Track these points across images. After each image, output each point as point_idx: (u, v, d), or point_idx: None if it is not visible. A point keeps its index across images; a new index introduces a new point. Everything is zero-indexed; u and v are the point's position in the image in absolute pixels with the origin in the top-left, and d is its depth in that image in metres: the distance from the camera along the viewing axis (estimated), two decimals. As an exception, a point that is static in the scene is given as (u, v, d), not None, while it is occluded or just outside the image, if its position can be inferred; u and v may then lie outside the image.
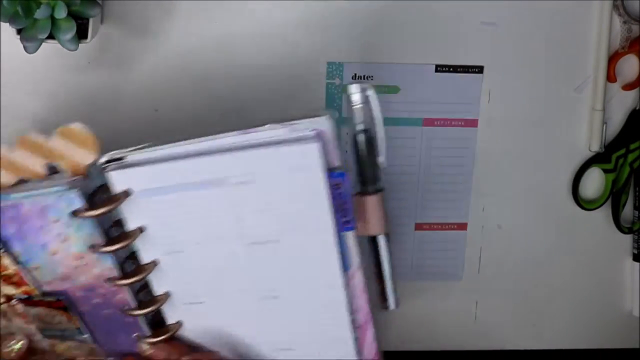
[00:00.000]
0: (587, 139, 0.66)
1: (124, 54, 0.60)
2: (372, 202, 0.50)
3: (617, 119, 0.66)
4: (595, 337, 0.71)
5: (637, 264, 0.69)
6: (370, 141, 0.50)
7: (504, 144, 0.65)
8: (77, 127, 0.48)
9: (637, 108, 0.66)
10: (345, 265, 0.51)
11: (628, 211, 0.69)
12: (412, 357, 0.71)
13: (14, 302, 0.54)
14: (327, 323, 0.53)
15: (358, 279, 0.52)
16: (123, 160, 0.48)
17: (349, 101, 0.51)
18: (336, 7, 0.61)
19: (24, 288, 0.53)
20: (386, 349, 0.70)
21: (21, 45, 0.54)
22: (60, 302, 0.53)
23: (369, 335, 0.55)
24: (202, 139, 0.47)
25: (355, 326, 0.54)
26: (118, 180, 0.48)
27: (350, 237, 0.51)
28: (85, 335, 0.55)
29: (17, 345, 0.55)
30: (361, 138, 0.50)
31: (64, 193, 0.47)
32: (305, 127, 0.46)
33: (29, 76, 0.61)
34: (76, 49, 0.54)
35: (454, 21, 0.62)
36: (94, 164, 0.49)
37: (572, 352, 0.72)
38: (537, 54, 0.64)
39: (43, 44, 0.54)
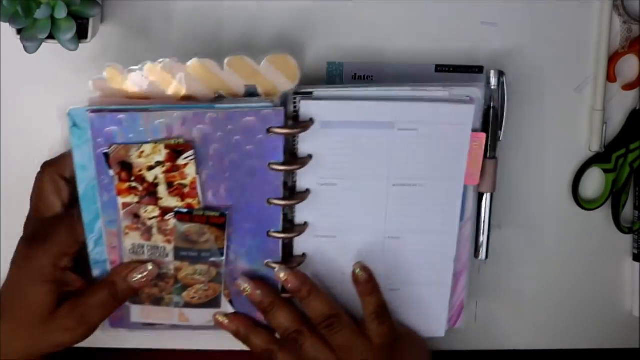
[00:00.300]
0: (587, 139, 0.66)
1: (124, 54, 0.60)
2: (488, 165, 0.60)
3: (617, 119, 0.66)
4: (595, 337, 0.71)
5: (637, 264, 0.69)
6: (497, 117, 0.60)
7: (504, 143, 0.65)
8: (286, 56, 0.54)
9: (637, 108, 0.66)
10: (462, 215, 0.60)
11: (628, 211, 0.69)
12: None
13: (169, 216, 0.55)
14: (433, 267, 0.61)
15: (467, 229, 0.61)
16: (311, 95, 0.55)
17: (487, 83, 0.60)
18: (336, 6, 0.61)
19: (188, 200, 0.55)
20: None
21: (21, 45, 0.54)
22: (222, 217, 0.56)
23: (461, 283, 0.63)
24: (380, 87, 0.57)
25: (453, 273, 0.61)
26: (305, 110, 0.55)
27: (471, 190, 0.60)
28: (223, 258, 0.58)
29: (144, 275, 0.57)
30: (491, 113, 0.60)
31: (269, 109, 0.53)
32: (462, 92, 0.57)
33: (29, 76, 0.61)
34: (76, 49, 0.54)
35: (454, 21, 0.62)
36: (287, 92, 0.55)
37: (572, 352, 0.72)
38: (537, 54, 0.64)
39: (43, 44, 0.54)
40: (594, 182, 0.68)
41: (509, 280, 0.69)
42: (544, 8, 0.63)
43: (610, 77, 0.64)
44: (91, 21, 0.55)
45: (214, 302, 0.60)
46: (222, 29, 0.61)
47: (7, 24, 0.52)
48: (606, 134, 0.66)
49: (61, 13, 0.51)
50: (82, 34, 0.55)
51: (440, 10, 0.62)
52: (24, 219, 0.64)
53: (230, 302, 0.61)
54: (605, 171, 0.67)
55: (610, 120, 0.66)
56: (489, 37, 0.63)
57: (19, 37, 0.53)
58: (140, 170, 0.54)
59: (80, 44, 0.54)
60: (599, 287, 0.70)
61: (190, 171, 0.54)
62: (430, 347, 0.68)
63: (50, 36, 0.53)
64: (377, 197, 0.58)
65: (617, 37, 0.64)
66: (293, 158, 0.56)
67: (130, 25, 0.60)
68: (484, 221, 0.62)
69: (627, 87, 0.65)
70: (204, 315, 0.61)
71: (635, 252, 0.69)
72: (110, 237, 0.57)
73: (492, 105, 0.60)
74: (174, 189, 0.55)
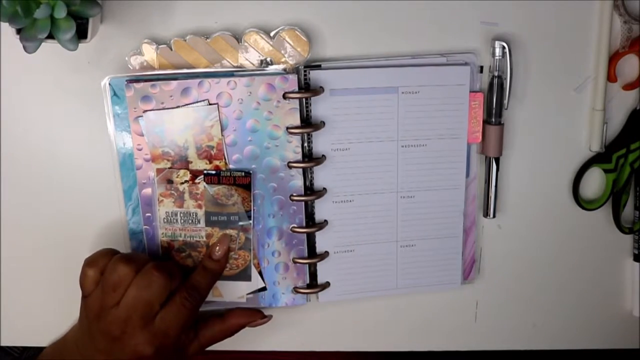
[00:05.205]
0: (587, 139, 0.66)
1: (124, 54, 0.60)
2: (494, 130, 0.64)
3: (618, 119, 0.66)
4: (595, 337, 0.71)
5: (637, 264, 0.69)
6: (501, 85, 0.63)
7: (505, 143, 0.65)
8: (297, 30, 0.60)
9: (638, 108, 0.66)
10: (467, 172, 0.65)
11: (629, 211, 0.69)
12: (412, 357, 0.71)
13: (199, 179, 0.61)
14: (445, 221, 0.66)
15: (472, 187, 0.66)
16: (320, 67, 0.61)
17: (492, 53, 0.63)
18: (335, 6, 0.61)
19: (216, 163, 0.61)
20: (386, 349, 0.70)
21: (21, 45, 0.53)
22: (247, 177, 0.61)
23: (471, 238, 0.67)
24: (383, 57, 0.62)
25: (463, 228, 0.66)
26: (315, 79, 0.60)
27: (474, 149, 0.65)
28: (250, 221, 0.62)
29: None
30: (495, 81, 0.63)
31: (283, 76, 0.59)
32: (458, 58, 0.62)
33: (29, 76, 0.61)
34: (76, 49, 0.54)
35: (454, 21, 0.62)
36: (299, 64, 0.60)
37: (572, 352, 0.72)
38: (537, 54, 0.64)
39: (43, 44, 0.53)
40: (594, 182, 0.68)
41: (509, 280, 0.69)
42: (544, 8, 0.63)
43: (611, 77, 0.64)
44: (91, 21, 0.55)
45: (244, 274, 0.64)
46: (220, 28, 0.60)
47: (7, 24, 0.52)
48: (606, 134, 0.65)
49: (61, 13, 0.51)
50: (81, 34, 0.55)
51: (440, 10, 0.62)
52: (24, 218, 0.64)
53: (260, 273, 0.64)
54: (606, 171, 0.67)
55: (610, 120, 0.66)
56: (489, 37, 0.63)
57: (18, 37, 0.53)
58: (172, 135, 0.60)
59: (80, 44, 0.54)
60: (599, 287, 0.70)
61: (216, 132, 0.60)
62: (428, 347, 0.68)
63: (50, 36, 0.53)
64: (388, 159, 0.63)
65: (617, 37, 0.64)
66: (308, 124, 0.61)
67: (130, 25, 0.60)
68: (492, 183, 0.65)
69: (628, 87, 0.65)
70: (236, 290, 0.64)
71: (636, 252, 0.69)
72: (145, 205, 0.62)
73: (497, 75, 0.63)
74: (203, 151, 0.60)
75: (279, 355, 0.70)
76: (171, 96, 0.59)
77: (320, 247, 0.65)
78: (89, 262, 0.59)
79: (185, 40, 0.60)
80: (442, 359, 0.72)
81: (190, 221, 0.62)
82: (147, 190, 0.61)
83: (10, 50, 0.60)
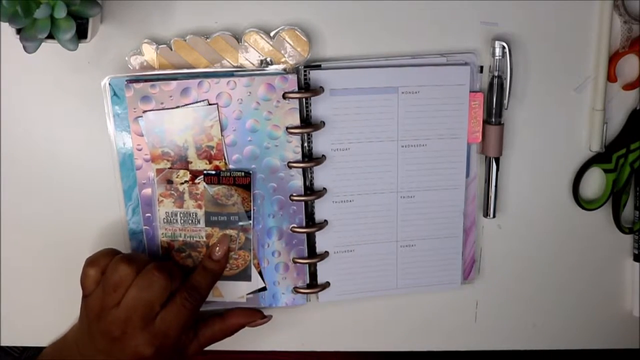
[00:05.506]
0: (587, 139, 0.66)
1: (124, 54, 0.60)
2: (494, 130, 0.64)
3: (618, 119, 0.66)
4: (595, 337, 0.71)
5: (637, 264, 0.69)
6: (501, 85, 0.63)
7: (505, 143, 0.65)
8: (297, 30, 0.60)
9: (638, 108, 0.66)
10: (467, 172, 0.65)
11: (629, 211, 0.69)
12: (412, 357, 0.71)
13: (199, 179, 0.61)
14: (445, 221, 0.66)
15: (472, 187, 0.66)
16: (320, 67, 0.61)
17: (492, 53, 0.63)
18: (335, 6, 0.61)
19: (215, 163, 0.61)
20: (386, 349, 0.70)
21: (21, 45, 0.53)
22: (247, 177, 0.61)
23: (471, 238, 0.67)
24: (383, 57, 0.62)
25: (463, 228, 0.66)
26: (315, 79, 0.60)
27: (474, 149, 0.65)
28: (250, 221, 0.62)
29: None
30: (495, 81, 0.63)
31: (283, 76, 0.59)
32: (458, 58, 0.62)
33: (29, 76, 0.61)
34: (76, 49, 0.54)
35: (454, 21, 0.62)
36: (299, 64, 0.60)
37: (572, 352, 0.72)
38: (537, 53, 0.64)
39: (43, 44, 0.53)
40: (594, 182, 0.68)
41: (509, 280, 0.69)
42: (544, 8, 0.63)
43: (611, 77, 0.64)
44: (91, 21, 0.55)
45: (244, 274, 0.64)
46: (221, 28, 0.60)
47: (7, 24, 0.52)
48: (606, 134, 0.65)
49: (61, 13, 0.51)
50: (81, 34, 0.55)
51: (440, 10, 0.62)
52: (24, 218, 0.64)
53: (260, 273, 0.64)
54: (606, 171, 0.67)
55: (610, 120, 0.66)
56: (489, 37, 0.63)
57: (18, 37, 0.53)
58: (172, 135, 0.60)
59: (80, 44, 0.54)
60: (599, 287, 0.70)
61: (216, 132, 0.60)
62: (428, 347, 0.68)
63: (50, 36, 0.53)
64: (388, 159, 0.63)
65: (617, 37, 0.64)
66: (308, 124, 0.61)
67: (130, 25, 0.60)
68: (492, 183, 0.65)
69: (628, 87, 0.65)
70: (236, 290, 0.64)
71: (636, 252, 0.69)
72: (145, 206, 0.62)
73: (497, 75, 0.63)
74: (202, 151, 0.60)
75: (279, 355, 0.70)
76: (171, 96, 0.59)
77: (320, 247, 0.65)
78: (90, 262, 0.59)
79: (185, 40, 0.60)
80: (442, 359, 0.72)
81: (190, 221, 0.62)
82: (147, 191, 0.61)
83: (10, 50, 0.60)
